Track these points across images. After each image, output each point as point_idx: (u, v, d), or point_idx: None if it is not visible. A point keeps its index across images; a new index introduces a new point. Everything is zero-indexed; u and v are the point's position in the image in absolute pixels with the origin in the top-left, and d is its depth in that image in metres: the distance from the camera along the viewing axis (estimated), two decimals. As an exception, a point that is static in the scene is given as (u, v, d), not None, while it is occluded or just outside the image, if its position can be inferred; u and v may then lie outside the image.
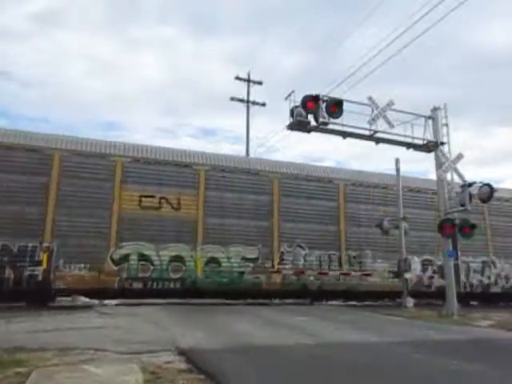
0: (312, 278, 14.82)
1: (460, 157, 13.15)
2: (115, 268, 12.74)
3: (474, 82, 77.41)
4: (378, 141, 13.07)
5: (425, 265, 16.48)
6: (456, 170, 13.14)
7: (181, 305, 12.82)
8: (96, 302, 13.00)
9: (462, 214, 13.34)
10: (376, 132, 12.73)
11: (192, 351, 5.64)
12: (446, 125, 13.52)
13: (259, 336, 7.40)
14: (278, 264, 14.54)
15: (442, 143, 13.38)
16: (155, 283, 13.05)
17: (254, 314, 10.84)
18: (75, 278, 12.25)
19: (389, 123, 12.61)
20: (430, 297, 16.05)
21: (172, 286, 13.25)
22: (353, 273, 15.40)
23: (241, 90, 27.02)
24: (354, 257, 15.65)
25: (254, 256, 14.30)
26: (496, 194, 13.25)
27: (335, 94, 13.39)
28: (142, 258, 13.01)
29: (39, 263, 11.94)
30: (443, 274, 13.26)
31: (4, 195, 12.08)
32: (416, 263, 16.09)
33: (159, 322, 8.78)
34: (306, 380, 4.59)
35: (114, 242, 12.86)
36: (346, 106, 12.05)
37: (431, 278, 16.40)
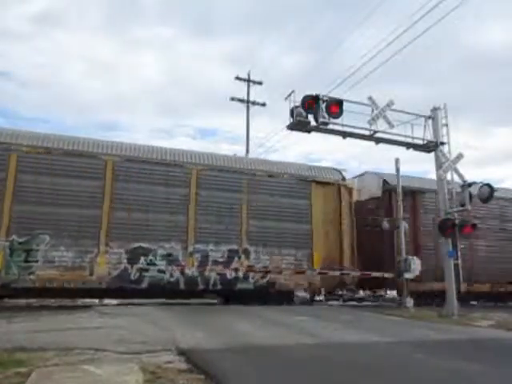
0: None
1: (460, 157, 13.14)
2: None
3: (473, 82, 77.53)
4: (378, 141, 13.05)
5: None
6: (456, 170, 13.14)
7: (181, 305, 12.82)
8: (96, 301, 12.99)
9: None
10: (376, 132, 12.71)
11: (192, 351, 5.64)
12: (446, 125, 13.48)
13: (259, 336, 7.40)
14: None
15: (442, 143, 13.36)
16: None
17: (254, 314, 10.85)
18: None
19: (389, 123, 12.58)
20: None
21: None
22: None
23: (241, 90, 26.94)
24: None
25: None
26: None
27: (335, 94, 13.39)
28: None
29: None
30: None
31: None
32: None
33: (159, 321, 8.77)
34: (306, 380, 4.60)
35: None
36: (345, 105, 12.02)
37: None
